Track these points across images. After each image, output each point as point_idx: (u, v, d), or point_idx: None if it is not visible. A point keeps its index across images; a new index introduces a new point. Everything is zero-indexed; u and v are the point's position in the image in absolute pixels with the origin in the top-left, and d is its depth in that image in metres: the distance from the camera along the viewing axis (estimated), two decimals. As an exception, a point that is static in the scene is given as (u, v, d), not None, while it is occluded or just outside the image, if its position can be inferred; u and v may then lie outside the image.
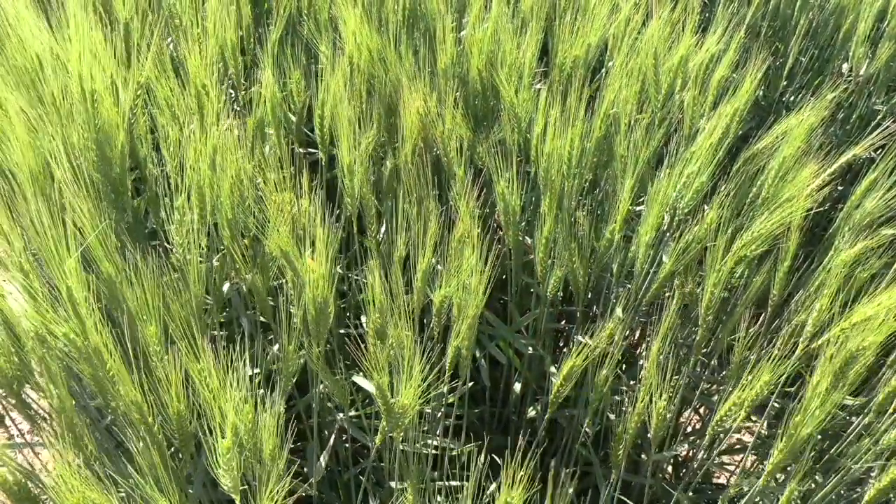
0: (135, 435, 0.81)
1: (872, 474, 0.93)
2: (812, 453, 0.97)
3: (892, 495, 1.11)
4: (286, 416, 0.83)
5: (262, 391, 0.78)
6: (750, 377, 0.90)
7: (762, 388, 0.88)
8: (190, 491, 1.02)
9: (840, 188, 1.63)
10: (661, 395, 0.91)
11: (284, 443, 0.79)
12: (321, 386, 1.07)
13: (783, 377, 0.89)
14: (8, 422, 1.03)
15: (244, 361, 0.78)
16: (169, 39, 1.27)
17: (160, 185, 1.11)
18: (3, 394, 0.93)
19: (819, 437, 1.26)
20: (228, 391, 0.74)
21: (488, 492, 0.79)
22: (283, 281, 0.97)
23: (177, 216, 0.95)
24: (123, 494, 0.76)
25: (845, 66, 1.57)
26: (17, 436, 1.39)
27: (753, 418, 1.58)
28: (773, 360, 0.88)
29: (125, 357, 0.80)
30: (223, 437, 0.75)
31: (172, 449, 1.00)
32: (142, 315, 0.84)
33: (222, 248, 1.03)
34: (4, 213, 0.93)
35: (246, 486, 0.78)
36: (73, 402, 0.85)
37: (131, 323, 0.86)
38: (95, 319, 0.79)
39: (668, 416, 0.93)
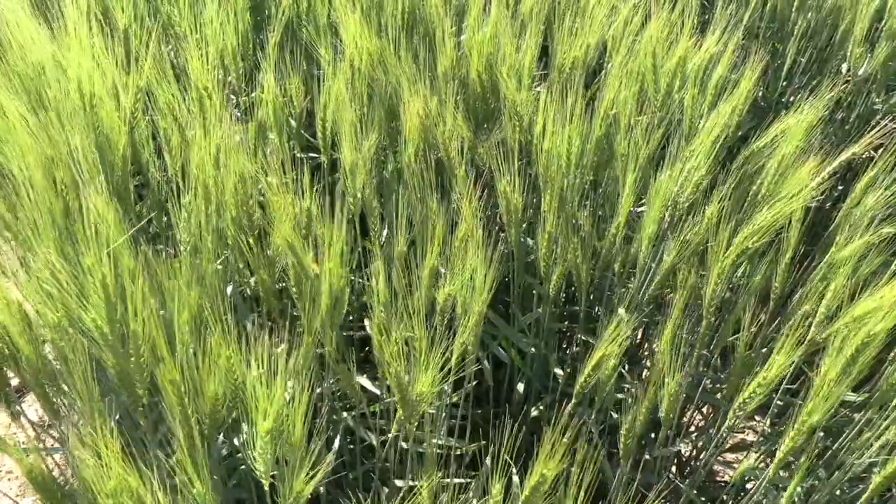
0: (173, 417, 0.81)
1: (875, 469, 0.93)
2: (815, 450, 0.98)
3: (894, 490, 1.11)
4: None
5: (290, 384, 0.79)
6: (767, 362, 0.91)
7: (779, 371, 0.89)
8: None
9: (841, 187, 1.64)
10: (673, 376, 0.92)
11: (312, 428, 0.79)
12: (327, 384, 1.08)
13: (793, 365, 0.90)
14: (21, 426, 1.04)
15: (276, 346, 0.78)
16: (169, 46, 1.28)
17: (162, 188, 1.11)
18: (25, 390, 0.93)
19: (822, 434, 1.26)
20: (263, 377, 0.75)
21: (494, 490, 0.79)
22: (287, 282, 0.97)
23: (184, 214, 0.95)
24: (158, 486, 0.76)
25: (844, 66, 1.58)
26: (30, 438, 1.39)
27: (757, 418, 1.58)
28: (787, 345, 0.89)
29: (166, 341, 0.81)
30: (264, 420, 0.75)
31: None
32: (173, 304, 0.85)
33: (226, 251, 1.03)
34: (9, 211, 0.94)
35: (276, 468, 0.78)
36: (100, 403, 0.86)
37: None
38: (136, 305, 0.79)
39: (678, 400, 0.94)
